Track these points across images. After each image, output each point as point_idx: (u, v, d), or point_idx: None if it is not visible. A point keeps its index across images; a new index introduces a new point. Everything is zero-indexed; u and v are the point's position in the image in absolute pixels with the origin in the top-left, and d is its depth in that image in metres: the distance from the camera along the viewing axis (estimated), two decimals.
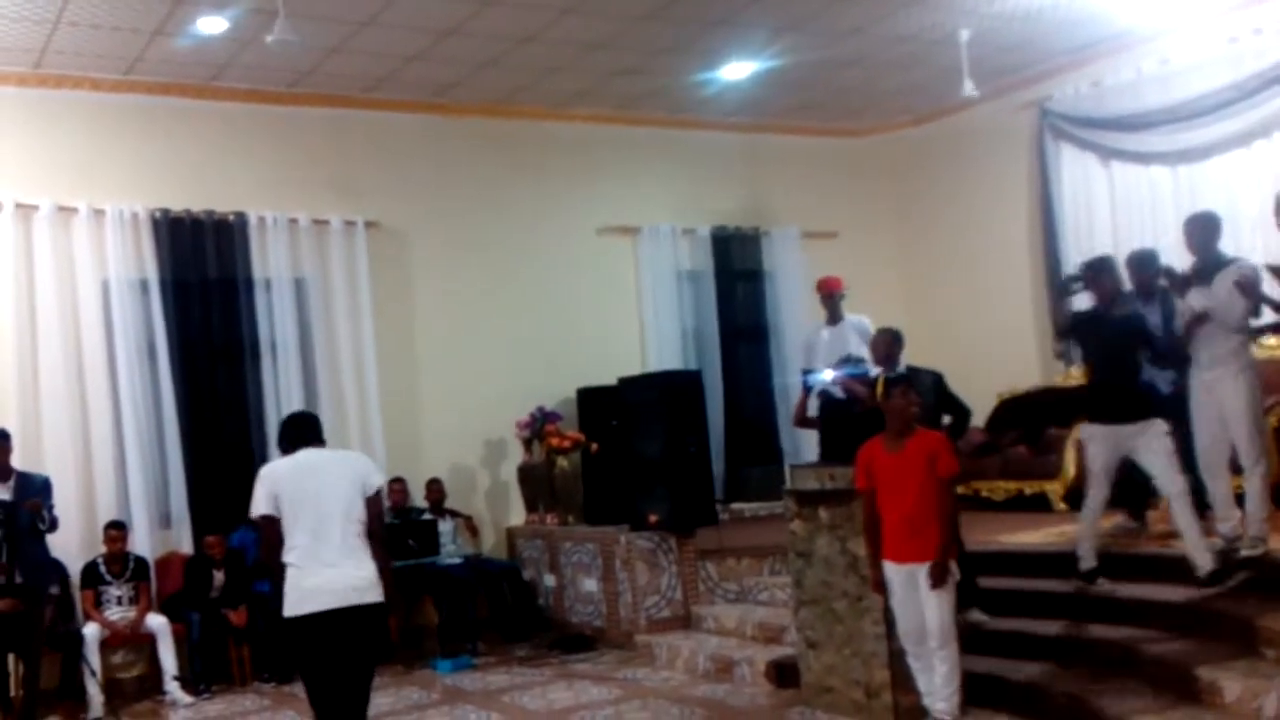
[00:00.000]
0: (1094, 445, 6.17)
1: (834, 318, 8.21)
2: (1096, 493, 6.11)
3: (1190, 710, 4.86)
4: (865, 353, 7.15)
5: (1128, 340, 6.06)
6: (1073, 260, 9.39)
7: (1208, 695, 4.88)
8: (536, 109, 9.81)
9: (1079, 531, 6.21)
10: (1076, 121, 9.49)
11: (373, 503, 4.71)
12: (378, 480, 4.78)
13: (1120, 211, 9.15)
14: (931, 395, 6.13)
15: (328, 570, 4.50)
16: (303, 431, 4.87)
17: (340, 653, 4.53)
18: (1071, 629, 5.88)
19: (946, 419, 6.31)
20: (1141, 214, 8.94)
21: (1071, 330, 7.26)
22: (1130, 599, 5.89)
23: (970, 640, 5.84)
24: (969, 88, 8.53)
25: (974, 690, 5.51)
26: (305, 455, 4.75)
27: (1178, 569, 5.90)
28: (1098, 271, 6.31)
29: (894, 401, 5.48)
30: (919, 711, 5.48)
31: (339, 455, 5.06)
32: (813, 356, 8.04)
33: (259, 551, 6.96)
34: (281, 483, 4.63)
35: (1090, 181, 9.45)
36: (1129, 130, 9.06)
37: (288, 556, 4.57)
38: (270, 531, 4.63)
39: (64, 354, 8.11)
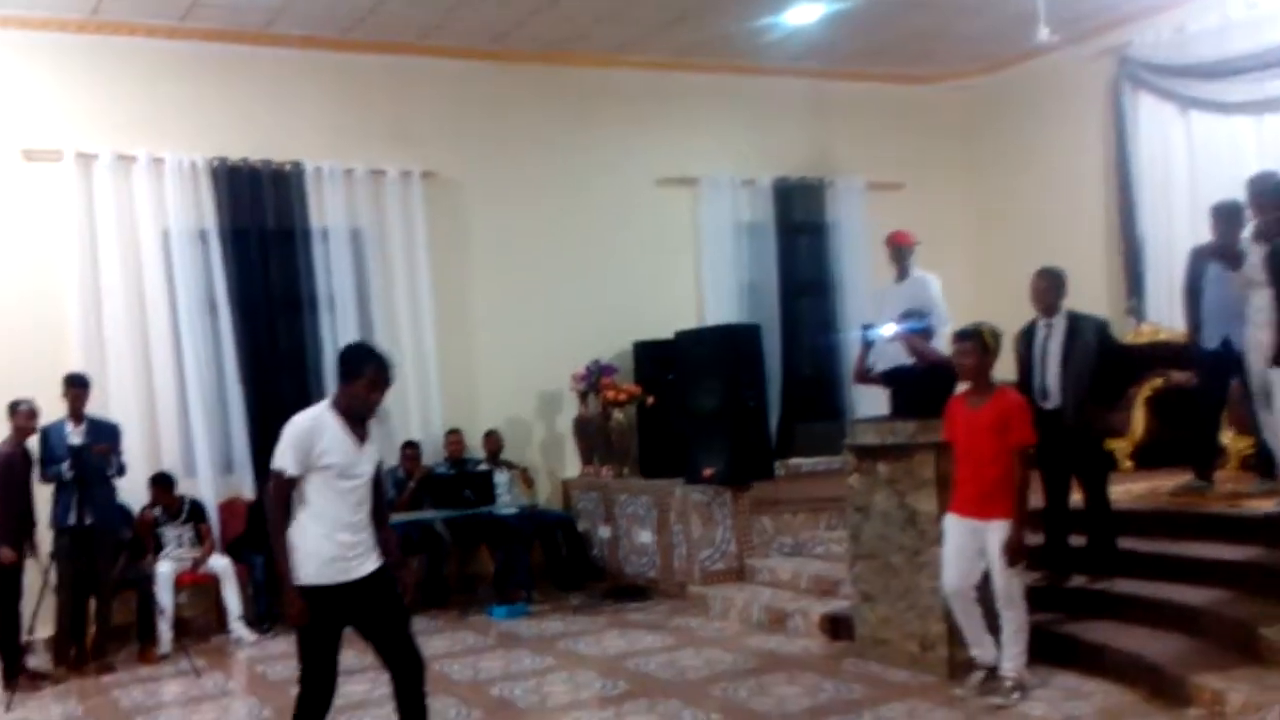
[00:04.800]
0: None
1: (901, 274, 8.12)
2: None
3: (1252, 669, 4.98)
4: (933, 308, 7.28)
5: None
6: (1147, 213, 9.40)
7: (1270, 654, 5.00)
8: (595, 55, 9.94)
9: None
10: (1156, 69, 9.44)
11: None
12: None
13: (1199, 163, 9.12)
14: (1094, 344, 6.08)
15: None
16: None
17: None
18: (1136, 587, 5.99)
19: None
20: (1221, 166, 8.86)
21: None
22: (1195, 558, 6.00)
23: (1035, 597, 6.01)
24: (1044, 33, 8.43)
25: (1040, 647, 5.69)
26: None
27: (1243, 528, 6.02)
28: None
29: (953, 358, 5.61)
30: (968, 663, 5.67)
31: None
32: (879, 314, 8.08)
33: None
34: None
35: (1168, 132, 9.42)
36: (1212, 78, 9.00)
37: None
38: None
39: (126, 303, 8.45)
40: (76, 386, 7.40)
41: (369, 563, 4.31)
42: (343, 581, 4.21)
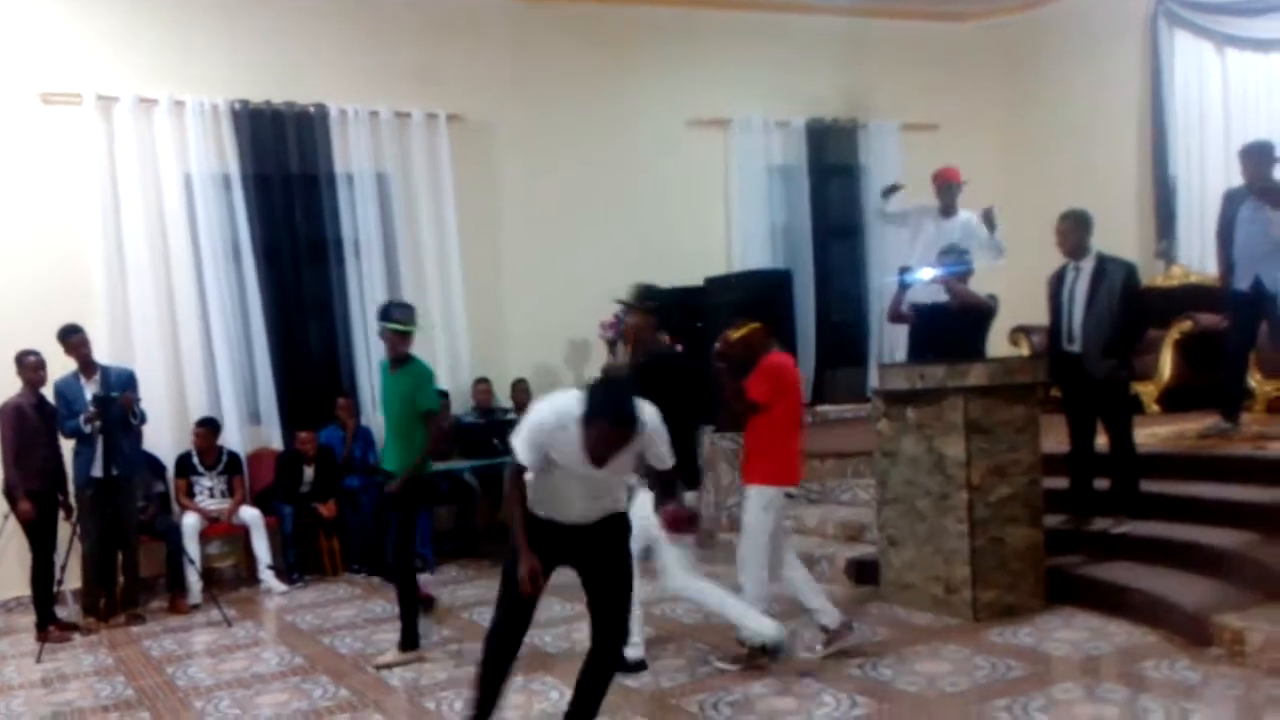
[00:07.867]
0: None
1: (948, 210, 8.14)
2: None
3: (1274, 610, 5.21)
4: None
5: None
6: (1180, 154, 9.52)
7: None
8: None
9: None
10: (1194, 6, 9.55)
11: None
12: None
13: (1234, 103, 9.28)
14: (1119, 287, 6.21)
15: None
16: None
17: None
18: (1159, 529, 6.23)
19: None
20: (1257, 105, 9.04)
21: None
22: (1219, 500, 6.22)
23: (1058, 539, 6.31)
24: None
25: (1059, 587, 6.01)
26: None
27: (1268, 471, 6.25)
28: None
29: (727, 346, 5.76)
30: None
31: None
32: (914, 243, 8.08)
33: None
34: None
35: (1204, 71, 9.56)
36: (1251, 15, 9.13)
37: None
38: None
39: (150, 249, 8.59)
40: (71, 336, 7.37)
41: None
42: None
